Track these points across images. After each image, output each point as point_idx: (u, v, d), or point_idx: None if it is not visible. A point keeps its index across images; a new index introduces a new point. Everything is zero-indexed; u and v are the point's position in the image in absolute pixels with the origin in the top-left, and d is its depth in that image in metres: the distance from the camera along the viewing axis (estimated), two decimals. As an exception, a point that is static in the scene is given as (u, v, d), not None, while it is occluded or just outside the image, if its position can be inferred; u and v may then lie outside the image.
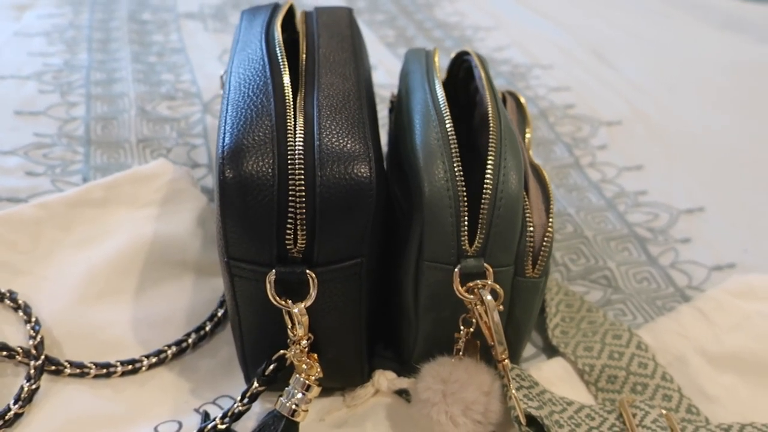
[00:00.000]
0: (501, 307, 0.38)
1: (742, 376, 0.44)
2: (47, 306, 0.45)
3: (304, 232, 0.34)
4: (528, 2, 0.98)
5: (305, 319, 0.35)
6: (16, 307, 0.44)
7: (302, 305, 0.35)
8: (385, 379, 0.42)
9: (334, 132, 0.35)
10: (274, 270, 0.34)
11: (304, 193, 0.33)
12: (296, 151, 0.34)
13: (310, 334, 0.37)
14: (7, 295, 0.44)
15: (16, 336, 0.43)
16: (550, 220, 0.38)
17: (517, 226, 0.37)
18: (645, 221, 0.60)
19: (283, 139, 0.35)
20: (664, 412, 0.40)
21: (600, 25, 0.92)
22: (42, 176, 0.55)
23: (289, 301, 0.35)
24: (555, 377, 0.44)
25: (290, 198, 0.34)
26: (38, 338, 0.42)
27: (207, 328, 0.45)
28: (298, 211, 0.34)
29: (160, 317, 0.46)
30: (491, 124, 0.38)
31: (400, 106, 0.45)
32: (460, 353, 0.40)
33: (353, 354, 0.40)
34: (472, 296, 0.37)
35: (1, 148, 0.57)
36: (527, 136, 0.48)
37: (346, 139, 0.35)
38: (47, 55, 0.73)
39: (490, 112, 0.39)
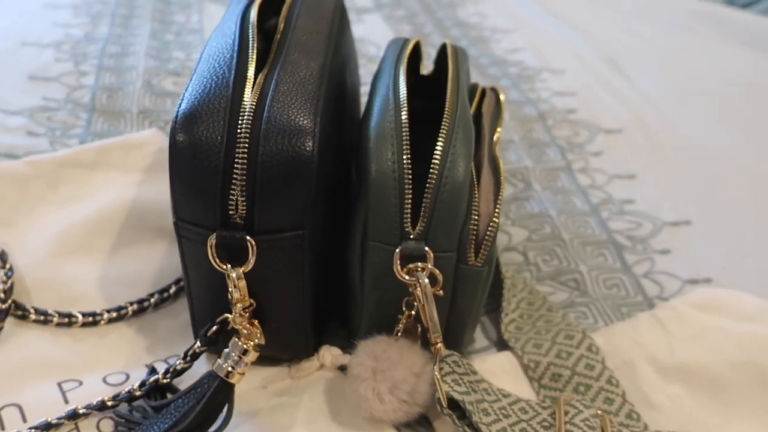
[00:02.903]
0: (440, 291, 0.39)
1: (689, 388, 0.44)
2: (24, 256, 0.48)
3: (244, 199, 0.35)
4: (552, 8, 0.97)
5: (242, 283, 0.37)
6: (-6, 254, 0.47)
7: (240, 270, 0.36)
8: (329, 354, 0.43)
9: (285, 106, 0.36)
10: (215, 234, 0.36)
11: (246, 161, 0.35)
12: (244, 121, 0.35)
13: (251, 300, 0.38)
14: (-14, 242, 0.47)
15: (-9, 281, 0.46)
16: (497, 210, 0.39)
17: (459, 212, 0.38)
18: (626, 229, 0.59)
19: (236, 110, 0.36)
20: (599, 412, 0.40)
21: (621, 34, 0.91)
22: (42, 137, 0.58)
23: (228, 266, 0.36)
24: (499, 370, 0.44)
25: (235, 165, 0.35)
26: (9, 284, 0.45)
27: (171, 291, 0.47)
28: (239, 178, 0.35)
29: (128, 277, 0.48)
30: (445, 112, 0.39)
31: (371, 90, 0.46)
32: (398, 334, 0.40)
33: (297, 326, 0.41)
34: (411, 278, 0.38)
35: (8, 108, 0.60)
36: (498, 130, 0.48)
37: (295, 114, 0.36)
38: (71, 26, 0.76)
39: (447, 99, 0.40)
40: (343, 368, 0.43)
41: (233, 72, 0.37)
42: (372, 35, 0.86)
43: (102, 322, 0.44)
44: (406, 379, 0.38)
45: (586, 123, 0.72)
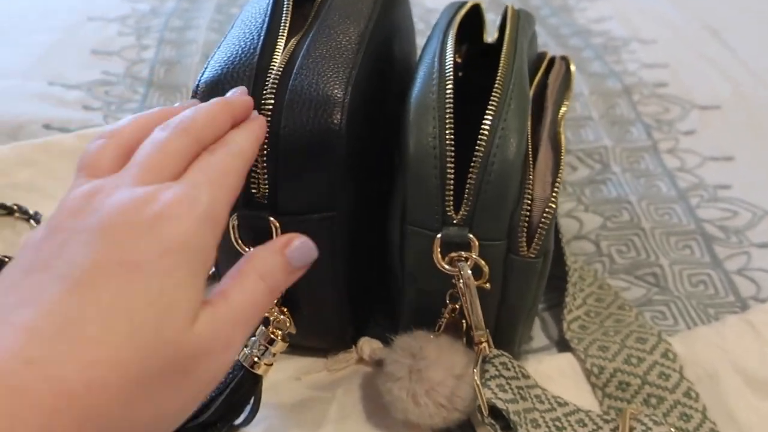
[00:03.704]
0: (487, 285, 0.34)
1: (784, 406, 0.38)
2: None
3: (266, 176, 0.32)
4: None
5: None
6: (39, 229, 0.46)
7: None
8: (368, 346, 0.39)
9: (314, 74, 0.33)
10: (236, 214, 0.33)
11: (267, 134, 0.32)
12: (267, 90, 0.32)
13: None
14: (33, 215, 0.47)
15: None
16: (554, 194, 0.34)
17: (509, 195, 0.33)
18: (719, 218, 0.52)
19: (262, 77, 0.33)
20: (672, 431, 0.35)
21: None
22: (97, 111, 0.57)
23: (251, 248, 0.33)
24: (557, 373, 0.39)
25: None
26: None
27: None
28: (261, 152, 0.32)
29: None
30: (496, 81, 0.34)
31: (419, 59, 0.42)
32: (439, 330, 0.36)
33: (330, 314, 0.38)
34: (453, 269, 0.34)
35: (67, 82, 0.60)
36: (565, 104, 0.43)
37: (324, 83, 0.33)
38: (138, 1, 0.76)
39: (500, 68, 0.35)
40: (381, 363, 0.39)
41: (262, 37, 0.34)
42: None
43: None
44: (445, 381, 0.34)
45: (677, 98, 0.65)
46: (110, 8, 0.73)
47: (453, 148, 0.32)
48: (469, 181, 0.32)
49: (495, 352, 0.36)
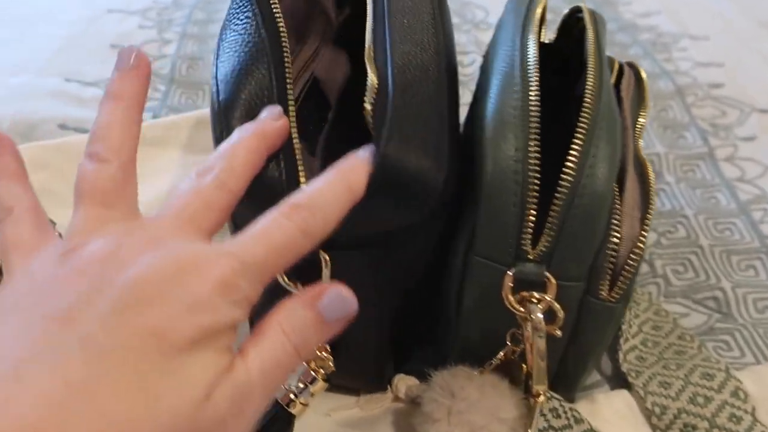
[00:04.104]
0: (558, 332, 0.30)
1: None
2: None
3: None
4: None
5: None
6: (52, 239, 0.43)
7: None
8: (404, 384, 0.36)
9: (408, 111, 0.28)
10: None
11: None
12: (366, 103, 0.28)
13: None
14: (45, 225, 0.44)
15: (48, 268, 0.42)
16: (644, 232, 0.30)
17: (596, 232, 0.29)
18: (786, 236, 0.48)
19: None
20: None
21: (781, -7, 0.76)
22: (114, 110, 0.54)
23: (298, 284, 0.30)
24: (613, 415, 0.36)
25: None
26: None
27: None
28: None
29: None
30: (586, 99, 0.29)
31: (485, 63, 0.37)
32: (489, 367, 0.33)
33: (370, 356, 0.35)
34: (523, 310, 0.29)
35: (84, 79, 0.57)
36: (641, 121, 0.38)
37: (419, 125, 0.28)
38: (160, -9, 0.72)
39: (588, 85, 0.30)
40: (417, 400, 0.36)
41: (272, 75, 0.30)
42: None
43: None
44: (488, 425, 0.30)
45: (735, 101, 0.60)
46: (131, 0, 0.70)
47: (538, 174, 0.28)
48: (551, 213, 0.28)
49: (547, 394, 0.32)
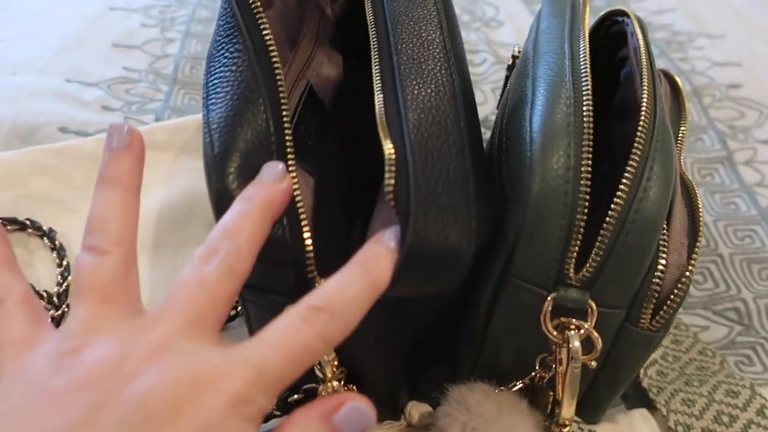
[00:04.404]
0: (593, 363, 0.28)
1: None
2: (83, 250, 0.42)
3: None
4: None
5: (333, 357, 0.28)
6: (53, 248, 0.42)
7: None
8: (417, 411, 0.34)
9: (431, 180, 0.26)
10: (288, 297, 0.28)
11: None
12: (389, 181, 0.25)
13: (343, 368, 0.30)
14: (47, 233, 0.43)
15: (49, 279, 0.41)
16: (693, 261, 0.28)
17: (645, 260, 0.27)
18: (808, 244, 0.46)
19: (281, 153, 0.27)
20: None
21: (798, -11, 0.74)
22: (117, 112, 0.52)
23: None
24: (634, 434, 0.34)
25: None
26: (64, 286, 0.40)
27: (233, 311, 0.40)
28: None
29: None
30: (642, 116, 0.28)
31: (522, 68, 0.34)
32: (508, 388, 0.31)
33: (386, 391, 0.33)
34: (559, 336, 0.28)
35: (86, 80, 0.55)
36: (681, 132, 0.36)
37: (443, 193, 0.26)
38: (163, -12, 0.71)
39: (644, 99, 0.28)
40: (431, 427, 0.35)
41: (269, 111, 0.27)
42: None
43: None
44: (505, 445, 0.29)
45: (754, 102, 0.58)
46: (134, -3, 0.68)
47: (589, 196, 0.26)
48: (600, 237, 0.26)
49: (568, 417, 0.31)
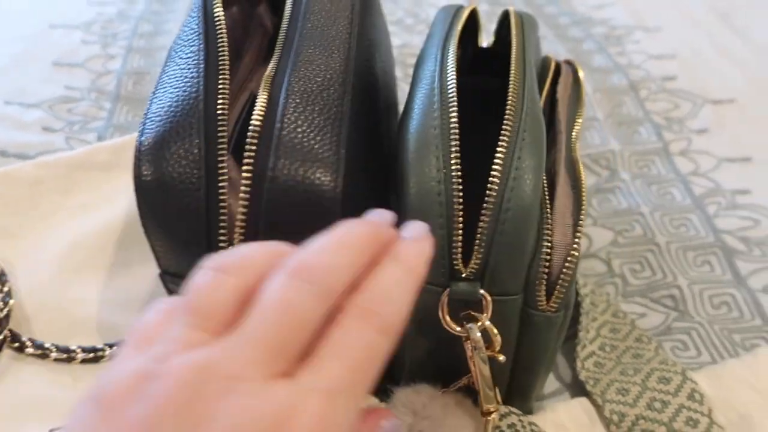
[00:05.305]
0: (501, 357, 0.30)
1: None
2: (27, 275, 0.42)
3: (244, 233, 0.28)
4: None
5: None
6: (-6, 274, 0.42)
7: None
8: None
9: (302, 127, 0.28)
10: None
11: (248, 196, 0.27)
12: (249, 142, 0.28)
13: None
14: (-11, 263, 0.42)
15: (-9, 304, 0.41)
16: (577, 239, 0.30)
17: (526, 244, 0.29)
18: (739, 228, 0.48)
19: (212, 126, 0.28)
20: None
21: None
22: (58, 132, 0.52)
23: None
24: (572, 423, 0.36)
25: (220, 203, 0.28)
26: (5, 311, 0.40)
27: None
28: (240, 220, 0.28)
29: (141, 301, 0.42)
30: (507, 109, 0.30)
31: (414, 76, 0.37)
32: (450, 388, 0.32)
33: None
34: (459, 329, 0.29)
35: (26, 101, 0.55)
36: (578, 122, 0.38)
37: (313, 139, 0.28)
38: (105, 4, 0.70)
39: (509, 91, 0.30)
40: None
41: (202, 77, 0.30)
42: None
43: (104, 358, 0.39)
44: (449, 447, 0.30)
45: (688, 93, 0.60)
46: (76, 14, 0.67)
47: (461, 193, 0.28)
48: (479, 229, 0.28)
49: (503, 410, 0.32)
